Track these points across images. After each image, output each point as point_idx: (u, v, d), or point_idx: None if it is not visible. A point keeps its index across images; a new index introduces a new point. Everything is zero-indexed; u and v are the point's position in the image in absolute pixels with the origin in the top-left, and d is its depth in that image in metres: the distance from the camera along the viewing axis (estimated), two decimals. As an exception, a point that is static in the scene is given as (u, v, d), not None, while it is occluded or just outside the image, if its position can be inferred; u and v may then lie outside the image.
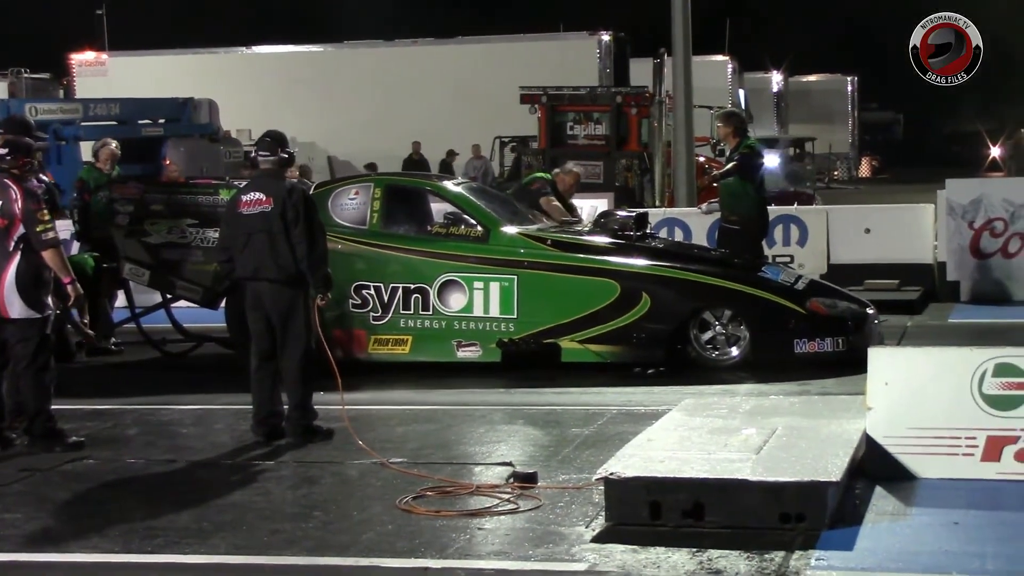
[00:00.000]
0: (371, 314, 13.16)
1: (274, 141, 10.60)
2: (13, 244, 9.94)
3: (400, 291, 13.10)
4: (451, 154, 33.52)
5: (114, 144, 15.97)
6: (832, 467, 7.74)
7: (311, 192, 12.89)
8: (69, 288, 10.14)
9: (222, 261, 10.88)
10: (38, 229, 9.91)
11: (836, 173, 52.29)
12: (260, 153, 10.60)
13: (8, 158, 10.11)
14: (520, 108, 28.28)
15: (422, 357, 13.11)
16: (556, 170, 16.30)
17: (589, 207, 19.24)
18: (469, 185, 14.87)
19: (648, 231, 14.05)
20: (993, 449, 8.23)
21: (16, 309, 9.95)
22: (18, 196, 9.94)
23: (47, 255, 9.95)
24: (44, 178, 11.54)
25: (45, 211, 10.05)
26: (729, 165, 14.69)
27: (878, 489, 8.15)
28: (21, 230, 9.93)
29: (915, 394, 8.39)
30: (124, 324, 15.28)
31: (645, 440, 8.62)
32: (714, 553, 7.12)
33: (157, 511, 8.39)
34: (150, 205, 13.90)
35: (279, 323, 10.28)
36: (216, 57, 38.58)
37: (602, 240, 13.33)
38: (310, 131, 33.90)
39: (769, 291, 12.85)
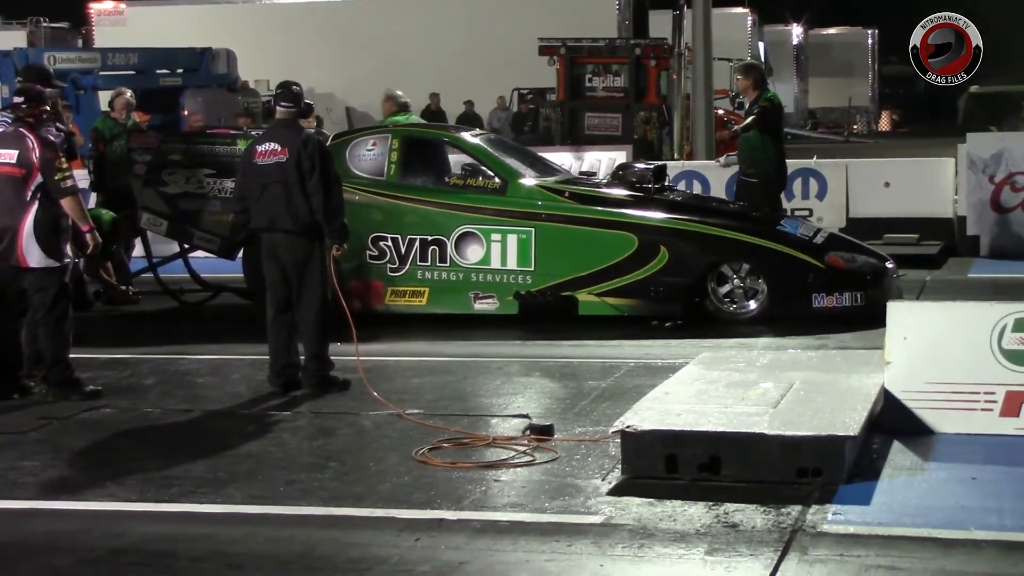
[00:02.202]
0: (388, 265, 13.14)
1: (294, 92, 10.54)
2: (31, 193, 9.94)
3: (417, 243, 13.08)
4: (470, 105, 33.35)
5: (129, 93, 15.96)
6: (850, 421, 7.72)
7: (328, 143, 12.86)
8: (87, 236, 10.15)
9: (238, 212, 10.85)
10: (56, 177, 9.91)
11: (856, 127, 52.02)
12: (283, 103, 10.53)
13: (24, 107, 10.10)
14: (539, 60, 28.16)
15: (439, 309, 13.10)
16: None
17: (607, 159, 19.19)
18: (487, 136, 14.81)
19: (666, 184, 13.99)
20: (1012, 404, 8.20)
21: (35, 258, 9.96)
22: (35, 145, 9.94)
23: (66, 203, 9.95)
24: (60, 126, 11.53)
25: (63, 159, 10.05)
26: (749, 119, 14.61)
27: (896, 444, 8.13)
28: (39, 179, 9.93)
29: (934, 349, 8.35)
30: (142, 274, 15.29)
31: (662, 393, 8.60)
32: (730, 507, 7.11)
33: (173, 460, 8.41)
34: (168, 155, 13.90)
35: (295, 274, 10.26)
36: (235, 7, 38.44)
37: (620, 193, 13.27)
38: (328, 82, 33.78)
39: (787, 245, 12.79)
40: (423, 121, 15.42)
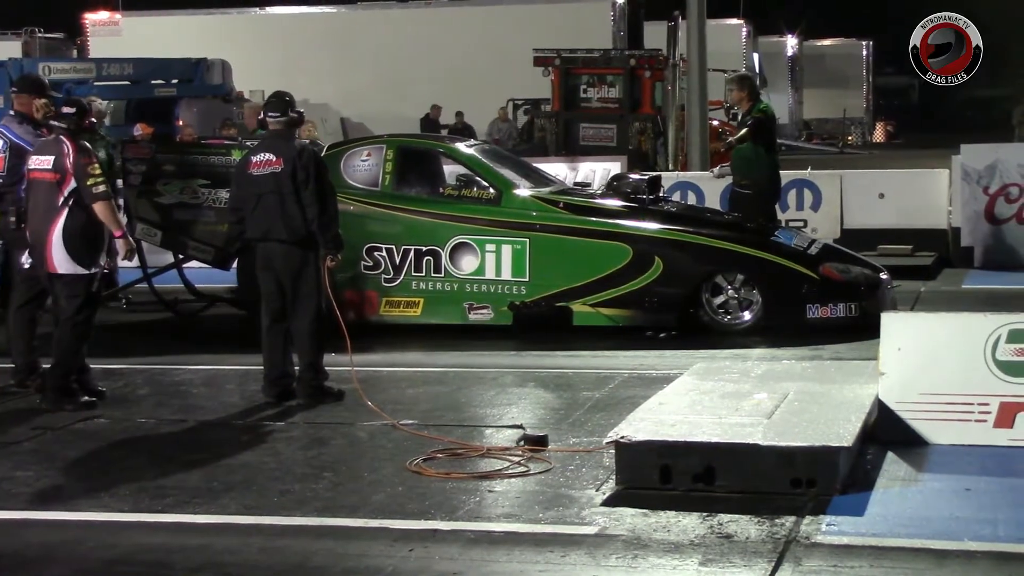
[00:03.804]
0: (383, 276, 13.14)
1: (283, 101, 10.55)
2: (63, 199, 10.04)
3: (412, 253, 13.08)
4: (460, 116, 33.40)
5: (98, 100, 15.93)
6: (844, 432, 7.72)
7: (323, 153, 12.89)
8: (120, 242, 10.24)
9: (232, 222, 10.86)
10: (88, 183, 10.02)
11: (850, 138, 52.12)
12: (270, 114, 10.55)
13: (74, 117, 10.23)
14: (534, 71, 28.20)
15: (433, 319, 13.09)
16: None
17: (602, 170, 19.21)
18: (481, 147, 14.83)
19: (661, 195, 14.00)
20: (1006, 415, 8.21)
21: (62, 264, 10.05)
22: (70, 151, 10.07)
23: (98, 207, 10.04)
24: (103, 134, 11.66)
25: (96, 165, 10.13)
26: (743, 131, 14.59)
27: (890, 455, 8.14)
28: (72, 185, 10.03)
29: (928, 360, 8.36)
30: (136, 284, 15.27)
31: (656, 404, 8.61)
32: (724, 517, 7.11)
33: (167, 471, 8.41)
34: (162, 165, 13.89)
35: (290, 284, 10.26)
36: (230, 18, 38.50)
37: (615, 203, 13.28)
38: (323, 93, 33.83)
39: (782, 256, 12.80)
40: None
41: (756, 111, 14.54)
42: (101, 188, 10.06)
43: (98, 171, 10.11)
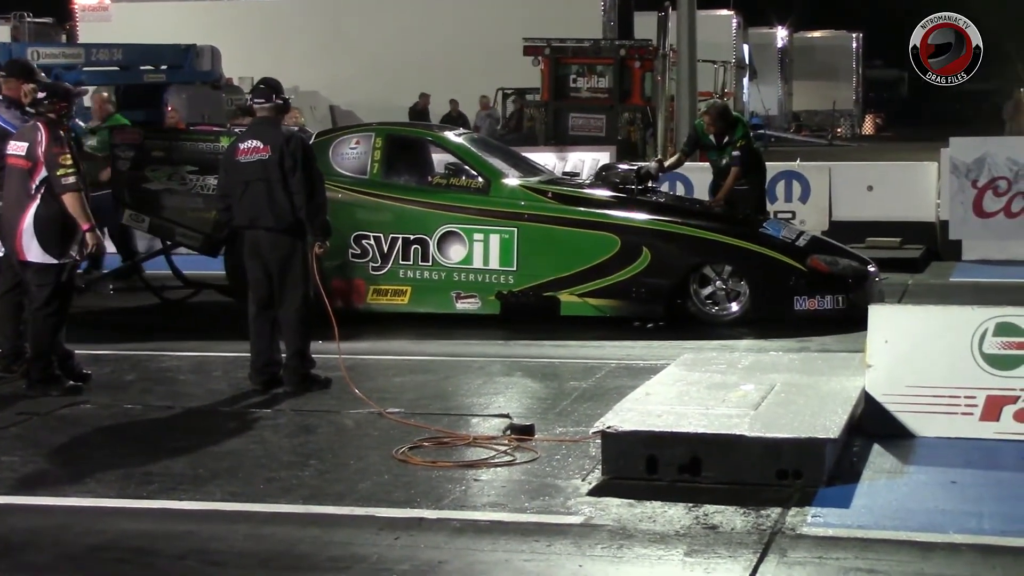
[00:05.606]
0: (370, 264, 13.13)
1: (269, 88, 10.51)
2: (35, 187, 9.98)
3: (400, 242, 13.07)
4: (455, 104, 33.38)
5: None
6: (830, 424, 7.73)
7: (311, 141, 12.87)
8: (88, 236, 10.09)
9: (220, 209, 10.83)
10: (58, 173, 9.92)
11: (839, 130, 52.15)
12: (256, 100, 10.51)
13: (45, 102, 10.14)
14: (523, 59, 28.18)
15: (421, 308, 13.09)
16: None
17: (591, 160, 19.21)
18: (471, 136, 14.81)
19: (649, 185, 13.98)
20: (992, 409, 8.22)
21: (33, 252, 9.99)
22: (43, 138, 9.97)
23: (66, 199, 9.94)
24: (80, 122, 11.56)
25: (68, 155, 10.02)
26: (734, 169, 14.27)
27: (876, 447, 8.15)
28: (44, 174, 9.95)
29: (915, 352, 8.38)
30: (123, 270, 15.24)
31: (643, 394, 8.61)
32: (710, 508, 7.12)
33: (153, 457, 8.39)
34: (150, 151, 13.85)
35: (277, 271, 10.23)
36: (219, 4, 38.43)
37: (603, 193, 13.28)
38: (313, 80, 33.80)
39: (770, 247, 12.81)
40: (128, 122, 15.52)
41: (738, 139, 14.33)
42: (71, 180, 9.94)
43: (69, 162, 9.96)
